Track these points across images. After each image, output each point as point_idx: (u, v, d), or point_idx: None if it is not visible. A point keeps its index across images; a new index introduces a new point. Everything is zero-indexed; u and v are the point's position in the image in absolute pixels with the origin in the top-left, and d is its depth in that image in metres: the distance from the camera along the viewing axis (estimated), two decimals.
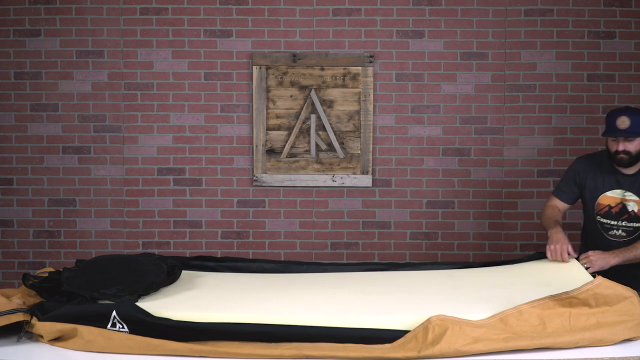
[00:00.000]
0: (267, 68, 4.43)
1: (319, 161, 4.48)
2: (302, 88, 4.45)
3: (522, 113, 4.48)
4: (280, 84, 4.44)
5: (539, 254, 3.09)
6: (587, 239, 3.30)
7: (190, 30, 4.45)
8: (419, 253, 4.52)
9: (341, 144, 4.47)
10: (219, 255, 4.51)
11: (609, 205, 3.13)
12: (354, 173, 4.48)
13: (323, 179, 4.48)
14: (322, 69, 4.43)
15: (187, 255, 4.16)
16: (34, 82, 4.46)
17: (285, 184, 4.48)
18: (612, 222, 3.14)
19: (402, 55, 4.47)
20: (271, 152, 4.48)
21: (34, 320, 2.27)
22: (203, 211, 4.52)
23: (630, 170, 3.10)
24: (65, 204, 4.51)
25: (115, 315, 2.25)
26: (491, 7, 4.43)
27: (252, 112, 4.47)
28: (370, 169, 4.47)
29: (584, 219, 3.33)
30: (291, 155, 4.48)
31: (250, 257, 4.52)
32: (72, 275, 2.48)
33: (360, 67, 4.44)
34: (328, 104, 4.45)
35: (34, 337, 2.29)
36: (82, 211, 4.51)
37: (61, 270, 2.63)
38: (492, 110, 4.48)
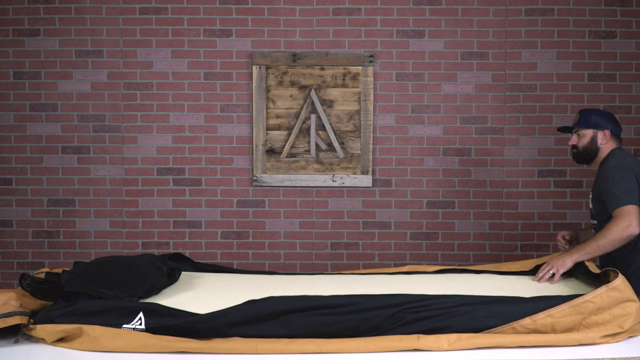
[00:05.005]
0: (267, 68, 4.42)
1: (319, 161, 4.47)
2: (302, 88, 4.44)
3: (523, 113, 4.46)
4: (280, 83, 4.43)
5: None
6: None
7: (190, 30, 4.44)
8: (419, 253, 4.51)
9: (341, 144, 4.46)
10: (218, 255, 4.51)
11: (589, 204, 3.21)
12: (354, 173, 4.47)
13: (323, 179, 4.47)
14: (322, 69, 4.42)
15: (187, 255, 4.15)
16: (33, 81, 4.45)
17: (285, 184, 4.47)
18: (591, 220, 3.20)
19: (402, 55, 4.46)
20: (271, 152, 4.47)
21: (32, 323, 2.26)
22: (203, 211, 4.51)
23: (596, 166, 3.13)
24: (64, 204, 4.51)
25: (142, 314, 2.23)
26: (492, 6, 4.42)
27: (252, 112, 4.46)
28: (370, 169, 4.46)
29: None
30: (291, 155, 4.47)
31: (250, 260, 4.52)
32: (72, 277, 2.47)
33: (360, 67, 4.42)
34: (328, 103, 4.44)
35: (33, 338, 2.28)
36: (82, 211, 4.51)
37: (58, 271, 2.61)
38: (492, 110, 4.47)
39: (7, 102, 4.46)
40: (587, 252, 2.76)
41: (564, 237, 3.18)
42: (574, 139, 3.13)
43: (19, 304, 2.29)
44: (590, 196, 3.13)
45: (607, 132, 3.04)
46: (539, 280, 2.79)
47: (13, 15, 4.41)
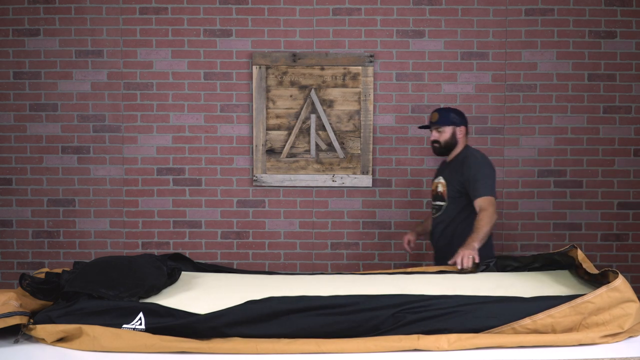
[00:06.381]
0: (267, 68, 4.42)
1: (319, 161, 4.47)
2: (302, 88, 4.44)
3: (523, 113, 4.46)
4: (280, 83, 4.43)
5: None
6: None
7: (190, 29, 4.44)
8: (419, 253, 4.51)
9: (341, 144, 4.46)
10: (218, 255, 4.51)
11: (433, 189, 3.71)
12: (354, 173, 4.47)
13: (323, 179, 4.47)
14: (322, 69, 4.42)
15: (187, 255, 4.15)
16: (33, 81, 4.45)
17: (285, 184, 4.47)
18: (433, 202, 3.69)
19: (402, 55, 4.46)
20: (271, 152, 4.47)
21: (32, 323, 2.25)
22: (203, 211, 4.51)
23: (450, 158, 3.63)
24: (64, 204, 4.50)
25: (142, 314, 2.23)
26: (492, 6, 4.42)
27: (252, 112, 4.46)
28: (370, 169, 4.46)
29: None
30: (291, 155, 4.47)
31: (250, 260, 4.52)
32: (72, 277, 2.46)
33: (360, 67, 4.42)
34: (328, 103, 4.44)
35: (33, 338, 2.27)
36: (82, 211, 4.51)
37: (58, 271, 2.60)
38: (492, 110, 4.47)
39: (7, 102, 4.46)
40: (482, 239, 3.18)
41: (409, 243, 3.78)
42: (435, 135, 3.59)
43: (19, 304, 2.28)
44: (442, 181, 3.59)
45: (463, 128, 3.57)
46: (462, 267, 3.02)
47: (13, 15, 4.41)
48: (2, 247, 4.52)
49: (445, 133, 3.56)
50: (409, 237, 3.79)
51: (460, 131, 3.57)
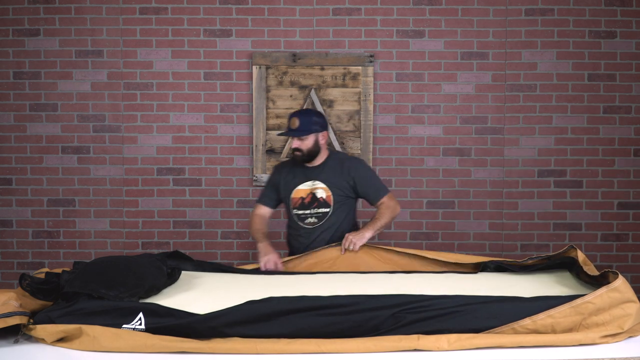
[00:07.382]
0: (267, 68, 4.42)
1: None
2: (302, 88, 4.44)
3: (523, 113, 4.47)
4: (280, 83, 4.44)
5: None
6: (289, 232, 3.57)
7: (190, 29, 4.44)
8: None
9: (341, 143, 4.46)
10: (218, 255, 4.51)
11: (301, 197, 3.40)
12: None
13: None
14: (322, 69, 4.42)
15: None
16: (33, 81, 4.45)
17: None
18: (307, 212, 3.40)
19: (402, 55, 4.46)
20: (271, 152, 4.47)
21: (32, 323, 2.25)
22: (203, 211, 4.51)
23: (316, 163, 3.41)
24: (64, 204, 4.51)
25: (142, 314, 2.23)
26: (492, 6, 4.42)
27: (252, 112, 4.46)
28: None
29: (288, 217, 3.55)
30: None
31: (250, 260, 4.52)
32: (72, 277, 2.46)
33: (360, 67, 4.43)
34: (328, 103, 4.45)
35: (33, 338, 2.27)
36: (82, 211, 4.51)
37: (58, 271, 2.60)
38: (492, 110, 4.47)
39: (7, 102, 4.46)
40: (377, 229, 3.28)
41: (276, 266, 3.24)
42: (296, 143, 3.35)
43: (19, 304, 2.28)
44: (322, 186, 3.37)
45: (325, 133, 3.39)
46: (343, 252, 3.16)
47: (13, 15, 4.41)
48: (2, 247, 4.52)
49: (308, 140, 3.33)
50: (277, 259, 3.27)
51: (322, 137, 3.38)
